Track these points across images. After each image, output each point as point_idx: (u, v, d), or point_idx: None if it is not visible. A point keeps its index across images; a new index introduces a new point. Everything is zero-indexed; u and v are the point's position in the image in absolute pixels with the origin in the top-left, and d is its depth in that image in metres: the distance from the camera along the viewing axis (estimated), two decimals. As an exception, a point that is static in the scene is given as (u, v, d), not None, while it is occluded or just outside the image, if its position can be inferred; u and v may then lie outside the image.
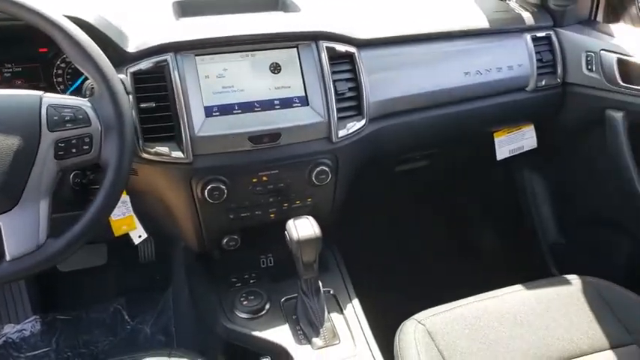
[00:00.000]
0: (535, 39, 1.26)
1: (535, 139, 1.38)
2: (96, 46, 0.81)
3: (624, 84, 1.15)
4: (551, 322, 0.99)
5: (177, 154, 0.95)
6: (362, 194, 1.32)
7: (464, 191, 1.70)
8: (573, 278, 1.09)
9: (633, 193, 1.20)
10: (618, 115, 1.18)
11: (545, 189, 1.50)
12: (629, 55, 1.14)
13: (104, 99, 0.79)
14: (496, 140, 1.35)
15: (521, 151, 1.38)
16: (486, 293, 1.06)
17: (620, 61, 1.16)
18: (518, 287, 1.08)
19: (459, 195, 1.71)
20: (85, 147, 0.78)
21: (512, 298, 1.05)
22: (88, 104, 0.80)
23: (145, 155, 0.94)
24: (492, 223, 1.71)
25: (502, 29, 1.25)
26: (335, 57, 1.04)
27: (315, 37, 1.03)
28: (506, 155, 1.36)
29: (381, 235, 1.64)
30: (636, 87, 1.13)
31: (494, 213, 1.70)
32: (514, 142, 1.37)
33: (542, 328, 0.98)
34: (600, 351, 0.93)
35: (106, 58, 0.81)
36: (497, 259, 1.58)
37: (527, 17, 1.29)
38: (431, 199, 1.67)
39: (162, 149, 0.94)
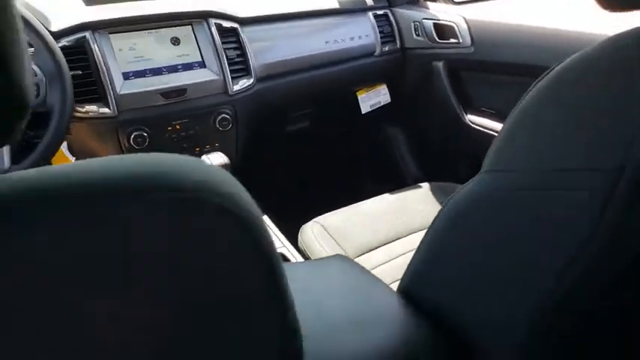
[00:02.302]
0: (376, 16, 1.68)
1: (388, 95, 1.78)
2: (30, 14, 1.04)
3: (440, 41, 1.59)
4: (409, 212, 1.35)
5: (104, 110, 1.19)
6: (262, 155, 1.62)
7: (344, 143, 2.03)
8: (426, 184, 1.48)
9: (460, 123, 1.63)
10: (440, 64, 1.62)
11: (403, 133, 1.92)
12: (440, 20, 1.59)
13: (43, 54, 1.02)
14: (359, 97, 1.73)
15: (380, 105, 1.77)
16: (364, 201, 1.41)
17: (435, 25, 1.60)
18: (387, 194, 1.44)
19: (341, 146, 2.03)
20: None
21: (383, 199, 1.40)
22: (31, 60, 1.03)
23: (78, 114, 1.17)
24: (370, 167, 2.08)
25: (351, 9, 1.65)
26: (223, 31, 1.36)
27: (205, 15, 1.34)
28: (369, 109, 1.75)
29: (281, 179, 1.89)
30: (447, 41, 1.58)
31: (370, 159, 2.06)
32: (373, 98, 1.76)
33: (403, 216, 1.34)
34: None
35: (39, 22, 1.05)
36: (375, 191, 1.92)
37: (369, 0, 1.70)
38: (318, 151, 1.97)
39: (92, 107, 1.18)
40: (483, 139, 1.54)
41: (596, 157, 0.52)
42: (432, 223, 0.72)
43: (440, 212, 0.71)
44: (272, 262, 0.36)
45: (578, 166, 0.53)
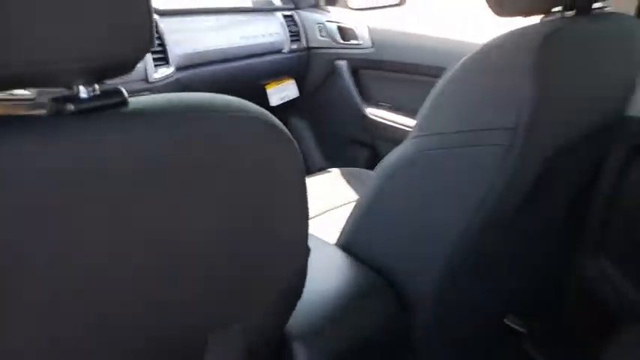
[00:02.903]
0: (285, 16, 1.81)
1: (296, 89, 1.92)
2: None
3: (343, 41, 1.77)
4: (324, 193, 1.50)
5: (24, 92, 1.18)
6: None
7: None
8: (336, 170, 1.63)
9: (361, 116, 1.82)
10: (343, 63, 1.80)
11: (309, 125, 2.07)
12: (343, 23, 1.77)
13: None
14: (268, 91, 1.85)
15: (288, 99, 1.90)
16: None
17: (339, 28, 1.77)
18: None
19: None
20: None
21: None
22: None
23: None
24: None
25: (263, 8, 1.77)
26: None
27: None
28: (278, 102, 1.88)
29: None
30: (350, 42, 1.76)
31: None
32: (281, 92, 1.89)
33: (319, 197, 1.48)
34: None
35: None
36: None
37: (277, 2, 1.83)
38: None
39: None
40: (381, 129, 1.74)
41: (499, 119, 0.70)
42: (368, 185, 0.86)
43: (374, 175, 0.86)
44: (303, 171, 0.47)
45: (488, 126, 0.71)
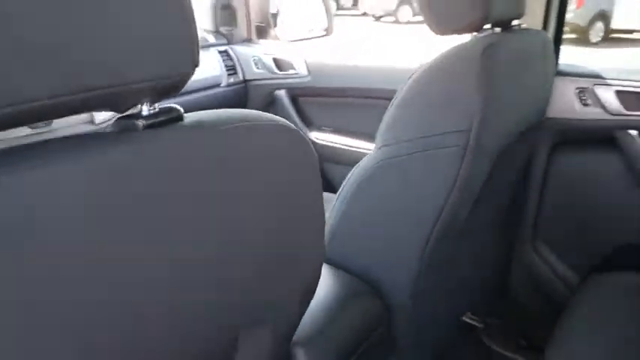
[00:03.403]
0: (220, 52, 1.87)
1: (236, 122, 1.97)
2: None
3: (280, 72, 1.86)
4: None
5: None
6: None
7: None
8: None
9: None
10: (282, 93, 1.88)
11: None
12: (278, 55, 1.86)
13: None
14: (211, 125, 1.89)
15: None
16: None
17: (274, 59, 1.86)
18: None
19: None
20: None
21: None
22: None
23: None
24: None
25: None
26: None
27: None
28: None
29: None
30: (287, 72, 1.85)
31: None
32: (223, 125, 1.93)
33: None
34: None
35: None
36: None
37: (211, 38, 1.89)
38: None
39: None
40: (327, 152, 1.83)
41: (454, 123, 0.80)
42: (339, 194, 0.94)
43: (344, 185, 0.93)
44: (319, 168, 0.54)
45: (444, 130, 0.81)
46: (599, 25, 9.25)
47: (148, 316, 0.42)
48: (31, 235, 0.34)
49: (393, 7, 12.11)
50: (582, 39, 9.02)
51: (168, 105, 0.45)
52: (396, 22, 12.03)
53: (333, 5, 8.76)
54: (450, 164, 0.81)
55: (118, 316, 0.40)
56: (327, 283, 0.88)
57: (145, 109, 0.42)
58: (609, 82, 1.25)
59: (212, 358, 0.50)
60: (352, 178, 0.91)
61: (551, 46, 1.16)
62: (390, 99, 0.91)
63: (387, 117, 0.88)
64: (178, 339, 0.45)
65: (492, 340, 1.49)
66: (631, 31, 9.20)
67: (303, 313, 0.58)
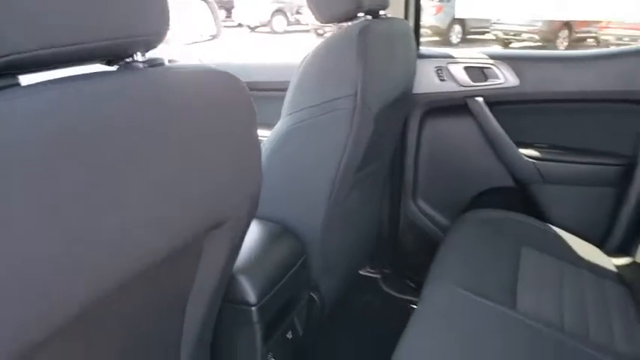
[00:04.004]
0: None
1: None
2: None
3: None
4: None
5: None
6: None
7: None
8: None
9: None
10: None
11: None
12: (173, 56, 1.99)
13: None
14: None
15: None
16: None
17: (169, 61, 1.99)
18: None
19: None
20: None
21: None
22: None
23: None
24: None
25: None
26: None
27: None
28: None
29: None
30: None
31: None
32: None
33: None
34: None
35: None
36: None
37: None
38: None
39: None
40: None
41: (343, 90, 1.03)
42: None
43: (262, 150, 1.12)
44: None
45: (337, 96, 1.03)
46: (458, 28, 10.38)
47: (130, 223, 0.53)
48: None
49: (268, 17, 12.46)
50: (444, 40, 10.05)
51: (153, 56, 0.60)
52: (272, 32, 12.39)
53: (209, 16, 8.81)
54: (344, 123, 1.04)
55: (105, 226, 0.50)
56: (256, 229, 1.07)
57: (140, 57, 0.57)
58: (459, 60, 1.57)
59: (184, 257, 0.65)
60: (267, 142, 1.11)
61: (412, 32, 1.45)
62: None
63: (289, 91, 1.09)
64: (159, 239, 0.59)
65: (389, 286, 1.76)
66: (483, 32, 10.44)
67: (250, 220, 0.75)
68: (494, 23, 9.94)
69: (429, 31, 9.95)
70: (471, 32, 10.56)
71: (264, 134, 1.96)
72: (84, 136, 0.47)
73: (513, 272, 1.19)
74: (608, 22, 8.95)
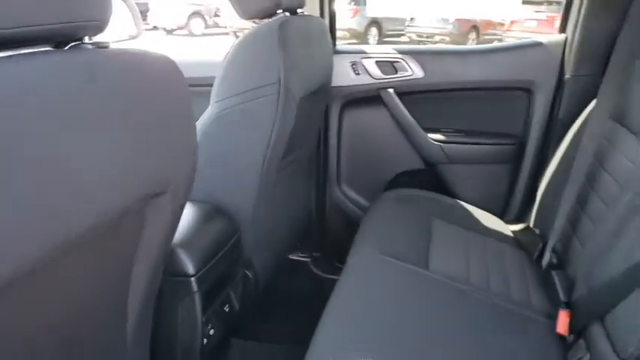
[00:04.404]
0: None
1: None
2: None
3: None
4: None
5: None
6: None
7: None
8: None
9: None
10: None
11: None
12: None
13: None
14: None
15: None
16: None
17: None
18: None
19: None
20: None
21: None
22: None
23: None
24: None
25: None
26: None
27: None
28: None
29: None
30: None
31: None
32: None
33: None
34: None
35: None
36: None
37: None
38: None
39: None
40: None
41: (267, 78, 1.14)
42: None
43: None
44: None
45: (261, 84, 1.14)
46: (375, 31, 10.79)
47: (74, 187, 0.58)
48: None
49: (185, 20, 12.28)
50: (361, 43, 10.41)
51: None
52: (190, 34, 12.23)
53: (123, 19, 8.55)
54: (270, 109, 1.15)
55: (51, 190, 0.55)
56: (192, 210, 1.15)
57: (88, 40, 0.65)
58: (371, 55, 1.73)
59: (128, 222, 0.72)
60: (197, 128, 1.19)
61: (327, 29, 1.58)
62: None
63: (217, 81, 1.19)
64: (102, 202, 0.64)
65: (318, 268, 1.89)
66: (399, 35, 10.92)
67: (189, 193, 0.82)
68: (409, 26, 10.45)
69: (347, 34, 10.26)
70: (387, 35, 11.01)
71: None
72: (30, 107, 0.53)
73: (426, 240, 1.35)
74: (511, 25, 9.74)
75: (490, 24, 10.19)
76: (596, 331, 0.97)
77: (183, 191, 0.80)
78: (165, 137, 0.73)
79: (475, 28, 10.20)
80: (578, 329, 1.03)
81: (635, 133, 1.14)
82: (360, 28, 10.51)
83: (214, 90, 1.19)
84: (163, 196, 0.76)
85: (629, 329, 0.87)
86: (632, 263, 0.93)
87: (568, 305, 1.10)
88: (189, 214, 1.11)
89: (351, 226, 1.81)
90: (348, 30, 10.20)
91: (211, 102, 1.19)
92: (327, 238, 1.90)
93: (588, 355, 0.96)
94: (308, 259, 1.91)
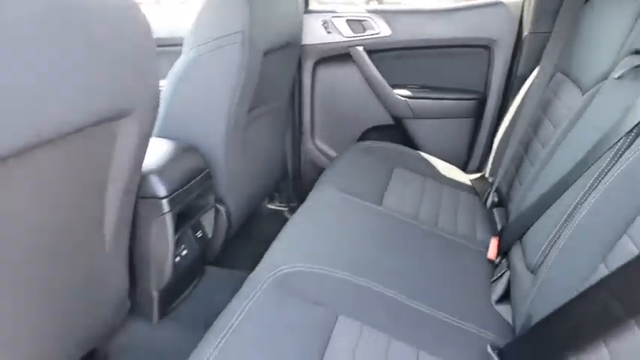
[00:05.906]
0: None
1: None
2: None
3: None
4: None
5: None
6: None
7: None
8: None
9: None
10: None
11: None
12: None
13: None
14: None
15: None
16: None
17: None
18: None
19: None
20: None
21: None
22: None
23: None
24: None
25: None
26: None
27: None
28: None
29: None
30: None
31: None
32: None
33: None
34: None
35: None
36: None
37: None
38: None
39: None
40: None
41: (233, 26, 1.27)
42: (166, 87, 1.34)
43: (168, 79, 1.35)
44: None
45: (228, 32, 1.28)
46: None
47: (45, 93, 0.67)
48: None
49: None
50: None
51: None
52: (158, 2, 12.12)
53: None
54: (236, 56, 1.29)
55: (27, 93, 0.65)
56: (165, 145, 1.29)
57: None
58: (341, 14, 1.86)
59: (100, 134, 0.83)
60: (171, 72, 1.34)
61: (298, -11, 1.71)
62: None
63: (189, 32, 1.33)
64: (72, 111, 0.72)
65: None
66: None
67: (155, 116, 0.94)
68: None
69: None
70: None
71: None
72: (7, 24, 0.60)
73: (384, 183, 1.50)
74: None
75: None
76: (515, 251, 1.13)
77: (149, 114, 0.92)
78: (128, 64, 0.82)
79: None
80: (504, 252, 1.19)
81: (577, 84, 1.26)
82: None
83: (186, 40, 1.33)
84: (130, 118, 0.87)
85: (535, 245, 1.03)
86: (546, 189, 1.08)
87: (501, 234, 1.26)
88: (163, 148, 1.26)
89: (319, 170, 1.97)
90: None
91: (184, 51, 1.34)
92: (303, 188, 2.05)
93: (508, 272, 1.12)
94: (285, 208, 2.07)
